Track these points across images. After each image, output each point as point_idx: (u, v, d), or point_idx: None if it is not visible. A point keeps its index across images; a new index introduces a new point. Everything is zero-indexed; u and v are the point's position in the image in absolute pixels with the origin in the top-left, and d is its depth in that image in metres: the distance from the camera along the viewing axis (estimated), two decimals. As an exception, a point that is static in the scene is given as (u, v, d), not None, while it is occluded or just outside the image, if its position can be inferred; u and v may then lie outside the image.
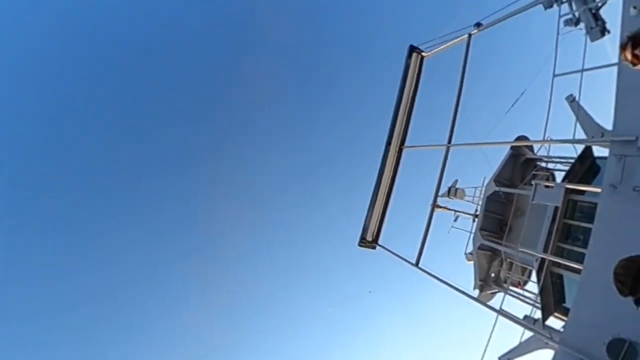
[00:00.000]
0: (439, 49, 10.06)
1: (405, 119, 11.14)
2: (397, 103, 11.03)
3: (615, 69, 5.61)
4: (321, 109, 44.76)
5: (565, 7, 7.06)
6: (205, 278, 44.80)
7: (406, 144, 11.13)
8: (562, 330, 6.87)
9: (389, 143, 11.09)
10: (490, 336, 7.34)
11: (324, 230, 50.13)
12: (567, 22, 7.17)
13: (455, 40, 9.45)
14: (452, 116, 9.37)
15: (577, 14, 7.05)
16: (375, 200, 10.92)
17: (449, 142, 9.16)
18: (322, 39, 46.07)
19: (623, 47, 1.80)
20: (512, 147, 9.09)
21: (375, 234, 10.86)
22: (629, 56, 1.77)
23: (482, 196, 10.15)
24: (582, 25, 7.15)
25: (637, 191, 4.98)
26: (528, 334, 6.58)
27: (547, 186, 7.43)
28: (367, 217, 10.92)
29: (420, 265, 9.06)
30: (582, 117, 6.68)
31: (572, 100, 6.86)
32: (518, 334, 6.77)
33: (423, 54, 10.34)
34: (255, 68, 42.00)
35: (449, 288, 7.91)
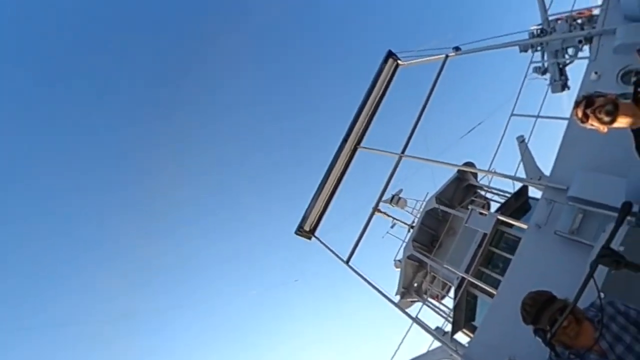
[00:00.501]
0: (415, 61, 10.35)
1: (366, 120, 11.32)
2: (362, 103, 11.16)
3: (565, 122, 6.23)
4: (285, 98, 44.19)
5: (537, 56, 7.70)
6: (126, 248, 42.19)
7: (362, 144, 11.35)
8: (466, 345, 7.61)
9: (345, 140, 11.22)
10: (402, 341, 7.93)
11: (263, 214, 50.01)
12: (536, 70, 7.88)
13: (432, 58, 9.79)
14: (411, 129, 9.75)
15: (546, 64, 7.78)
16: (320, 192, 11.03)
17: (403, 152, 9.51)
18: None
19: (577, 105, 1.98)
20: (458, 171, 9.71)
21: (313, 225, 10.98)
22: (579, 113, 1.95)
23: (421, 210, 10.77)
24: (548, 75, 7.94)
25: (558, 235, 5.59)
26: (437, 344, 7.15)
27: (481, 213, 8.06)
28: (309, 207, 11.00)
29: (350, 263, 9.37)
30: (527, 158, 7.33)
31: (521, 141, 7.49)
32: (428, 343, 7.33)
33: (399, 61, 10.57)
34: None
35: (373, 290, 8.33)
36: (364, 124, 11.35)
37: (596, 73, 5.97)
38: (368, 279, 8.64)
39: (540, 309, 1.94)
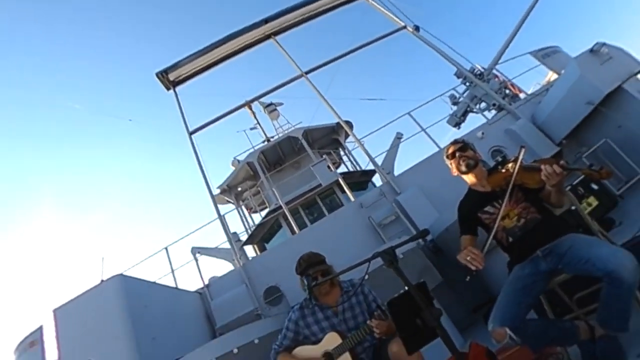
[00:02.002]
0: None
1: (298, 20, 10.68)
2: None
3: (437, 149, 7.53)
4: None
5: (462, 88, 9.23)
6: None
7: (279, 38, 10.68)
8: (249, 258, 8.67)
9: (265, 21, 10.35)
10: (201, 227, 8.71)
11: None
12: (451, 97, 9.63)
13: (392, 17, 9.80)
14: (331, 60, 9.82)
15: (461, 99, 9.27)
16: (208, 52, 10.04)
17: (307, 73, 9.47)
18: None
19: (455, 143, 2.44)
20: (337, 123, 10.18)
21: (180, 79, 10.05)
22: (451, 150, 2.42)
23: (286, 132, 11.15)
24: (454, 107, 9.43)
25: (369, 220, 6.77)
26: (227, 245, 7.89)
27: (329, 167, 8.80)
28: (187, 58, 9.91)
29: (193, 136, 9.13)
30: (392, 152, 8.46)
31: (398, 137, 8.57)
32: (221, 240, 7.93)
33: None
34: None
35: (199, 171, 8.43)
36: (294, 21, 10.67)
37: (482, 134, 7.42)
38: (200, 159, 8.64)
39: (310, 266, 2.43)
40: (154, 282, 5.50)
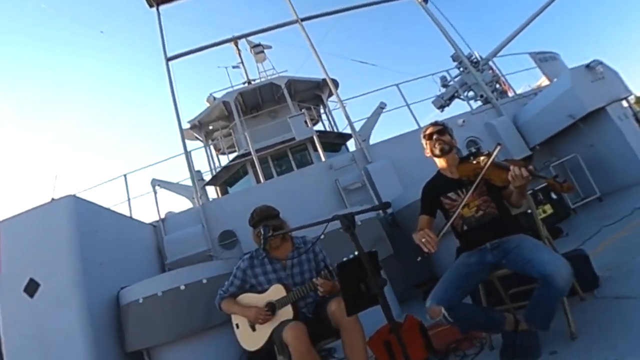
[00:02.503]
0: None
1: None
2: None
3: (415, 127, 7.60)
4: None
5: (455, 72, 8.95)
6: None
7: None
8: (210, 199, 8.61)
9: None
10: (167, 159, 8.77)
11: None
12: (442, 78, 9.47)
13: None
14: (329, 12, 9.43)
15: (451, 83, 9.29)
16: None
17: (301, 20, 9.11)
18: None
19: (434, 125, 2.48)
20: (323, 79, 9.94)
21: (166, -1, 9.40)
22: (429, 130, 2.45)
23: (269, 78, 10.83)
24: (442, 90, 9.49)
25: (336, 183, 6.82)
26: (189, 182, 7.81)
27: (306, 122, 8.64)
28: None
29: (170, 63, 8.70)
30: (371, 120, 8.44)
31: (381, 107, 8.47)
32: (183, 176, 7.82)
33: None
34: None
35: (171, 100, 8.13)
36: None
37: (463, 122, 7.61)
38: (175, 88, 8.29)
39: (262, 219, 2.47)
40: (108, 208, 5.35)
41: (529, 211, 2.44)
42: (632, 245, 3.13)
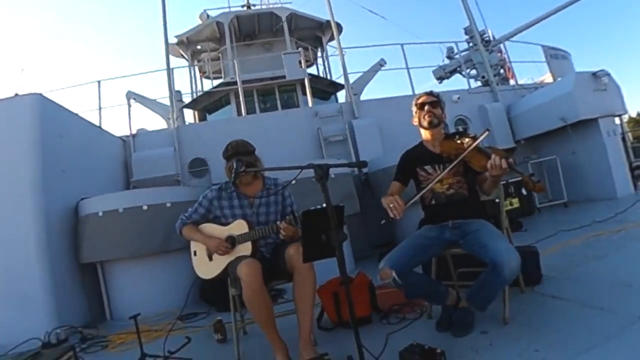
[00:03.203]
0: None
1: None
2: None
3: (409, 93, 7.52)
4: None
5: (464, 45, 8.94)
6: None
7: None
8: (186, 123, 8.41)
9: None
10: (146, 73, 7.98)
11: None
12: (449, 49, 9.35)
13: None
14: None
15: (457, 56, 9.42)
16: None
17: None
18: None
19: (429, 95, 2.47)
20: (327, 21, 9.47)
21: None
22: (421, 100, 2.44)
23: (271, 6, 10.29)
24: (447, 61, 9.37)
25: (318, 131, 6.83)
26: (166, 102, 7.61)
27: (300, 62, 8.37)
28: None
29: None
30: (366, 76, 8.27)
31: (381, 64, 8.31)
32: (161, 94, 7.48)
33: None
34: None
35: (161, 10, 7.62)
36: None
37: (458, 99, 7.65)
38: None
39: (237, 153, 2.44)
40: (77, 114, 5.09)
41: (497, 200, 2.54)
42: (581, 255, 3.36)
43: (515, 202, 6.03)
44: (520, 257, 1.92)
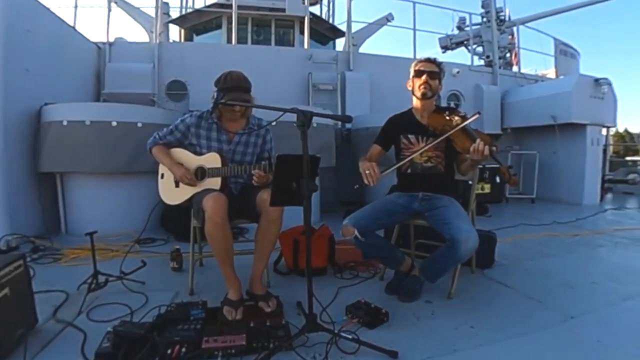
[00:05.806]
0: None
1: None
2: None
3: (410, 59, 7.35)
4: None
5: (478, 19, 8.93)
6: None
7: None
8: (171, 41, 7.92)
9: None
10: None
11: None
12: (461, 19, 9.22)
13: None
14: None
15: (467, 29, 9.30)
16: None
17: None
18: None
19: (431, 62, 2.44)
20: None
21: None
22: (421, 67, 2.41)
23: None
24: (456, 32, 9.24)
25: (315, 83, 6.69)
26: (151, 12, 7.13)
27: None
28: None
29: None
30: (368, 29, 8.01)
31: (388, 19, 8.10)
32: (146, 3, 7.04)
33: None
34: None
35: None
36: None
37: (458, 73, 7.63)
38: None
39: (233, 88, 2.29)
40: (48, 9, 4.62)
41: (470, 182, 2.66)
42: (534, 250, 3.64)
43: (487, 188, 6.28)
44: (478, 240, 2.04)
